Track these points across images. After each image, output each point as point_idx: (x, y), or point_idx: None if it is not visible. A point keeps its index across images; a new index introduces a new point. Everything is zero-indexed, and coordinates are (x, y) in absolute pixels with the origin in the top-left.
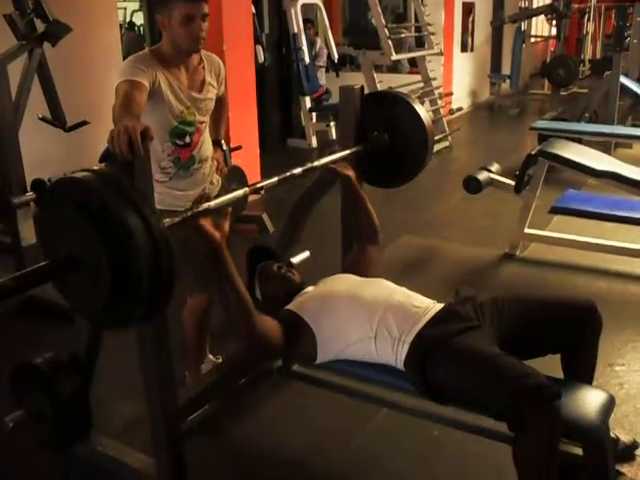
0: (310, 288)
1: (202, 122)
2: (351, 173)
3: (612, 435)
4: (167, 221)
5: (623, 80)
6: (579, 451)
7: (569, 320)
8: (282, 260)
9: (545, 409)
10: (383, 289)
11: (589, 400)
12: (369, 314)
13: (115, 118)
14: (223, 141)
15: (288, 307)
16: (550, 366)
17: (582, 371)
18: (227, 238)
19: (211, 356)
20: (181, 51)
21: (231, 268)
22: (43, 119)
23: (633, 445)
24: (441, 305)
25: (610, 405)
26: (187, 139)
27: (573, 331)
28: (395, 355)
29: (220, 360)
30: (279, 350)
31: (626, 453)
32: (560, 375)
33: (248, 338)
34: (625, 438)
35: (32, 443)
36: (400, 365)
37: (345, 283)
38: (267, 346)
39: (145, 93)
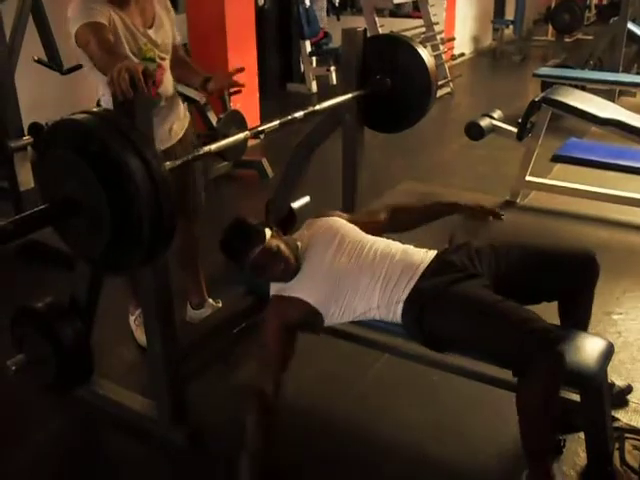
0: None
1: (163, 58)
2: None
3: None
4: (168, 164)
5: (630, 26)
6: (577, 397)
7: (568, 269)
8: (283, 207)
9: (551, 352)
10: (381, 254)
11: (588, 347)
12: (372, 285)
13: (103, 64)
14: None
15: (297, 296)
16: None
17: (579, 319)
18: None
19: (211, 300)
20: None
21: None
22: (39, 61)
23: (627, 390)
24: (434, 253)
25: (609, 352)
26: None
27: (571, 280)
28: (393, 312)
29: (220, 304)
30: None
31: (620, 398)
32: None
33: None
34: (620, 383)
35: (34, 386)
36: (398, 319)
37: (345, 255)
38: None
39: (110, 33)
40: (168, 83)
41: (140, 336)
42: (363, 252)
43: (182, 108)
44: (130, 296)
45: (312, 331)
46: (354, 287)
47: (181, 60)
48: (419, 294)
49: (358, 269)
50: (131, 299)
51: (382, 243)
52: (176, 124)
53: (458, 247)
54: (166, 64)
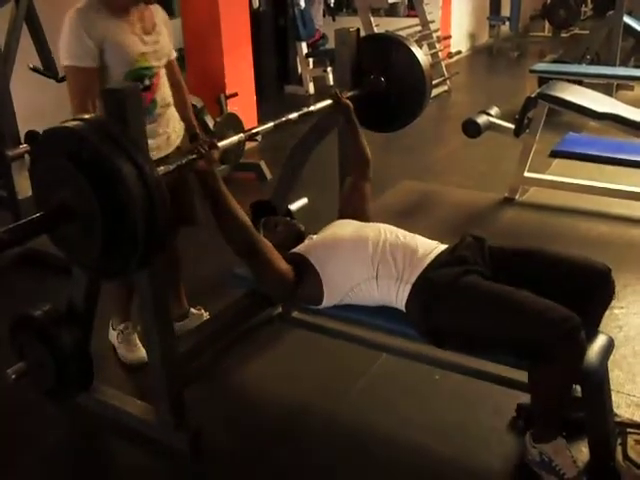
0: (313, 236)
1: (160, 67)
2: (350, 104)
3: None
4: (161, 169)
5: (626, 20)
6: (577, 392)
7: (581, 283)
8: (281, 209)
9: (573, 341)
10: (386, 231)
11: (589, 342)
12: (371, 253)
13: (76, 111)
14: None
15: (294, 250)
16: None
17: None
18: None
19: (194, 310)
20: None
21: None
22: (34, 69)
23: None
24: (445, 246)
25: (609, 347)
26: (146, 82)
27: (582, 295)
28: (396, 294)
29: (202, 312)
30: (289, 285)
31: None
32: None
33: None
34: None
35: (35, 394)
36: (401, 305)
37: (348, 227)
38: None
39: (96, 76)
40: (165, 90)
41: (126, 353)
42: (368, 227)
43: (177, 116)
44: (115, 308)
45: (313, 302)
46: (355, 248)
47: (176, 85)
48: (428, 283)
49: (359, 238)
50: (116, 311)
51: (390, 225)
52: (174, 132)
53: (470, 244)
54: (162, 72)
